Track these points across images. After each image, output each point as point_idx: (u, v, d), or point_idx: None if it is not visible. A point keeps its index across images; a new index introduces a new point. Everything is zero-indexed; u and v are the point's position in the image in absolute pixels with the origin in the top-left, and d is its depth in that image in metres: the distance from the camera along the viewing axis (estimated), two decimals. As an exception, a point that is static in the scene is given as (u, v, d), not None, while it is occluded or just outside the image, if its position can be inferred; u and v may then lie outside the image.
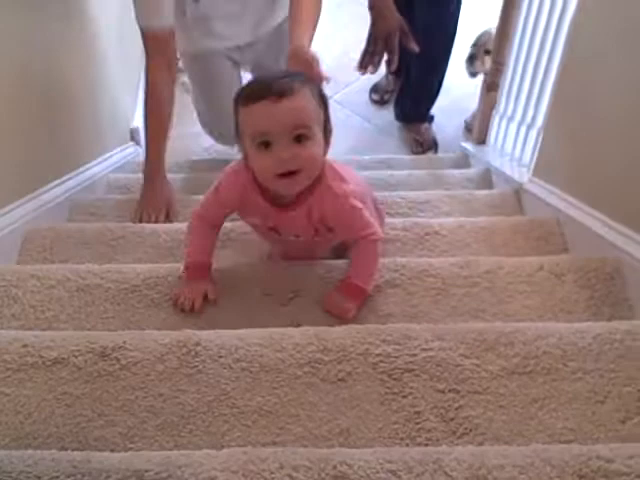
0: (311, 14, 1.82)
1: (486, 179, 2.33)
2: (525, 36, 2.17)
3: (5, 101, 1.64)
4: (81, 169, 2.16)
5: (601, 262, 1.40)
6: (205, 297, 1.33)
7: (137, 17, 1.79)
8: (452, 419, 1.01)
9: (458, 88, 3.17)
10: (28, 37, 1.76)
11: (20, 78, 1.72)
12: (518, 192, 2.02)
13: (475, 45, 2.75)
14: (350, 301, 1.31)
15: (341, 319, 1.28)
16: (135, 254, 1.64)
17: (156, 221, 1.82)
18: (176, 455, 0.84)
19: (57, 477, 0.78)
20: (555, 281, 1.38)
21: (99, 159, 2.38)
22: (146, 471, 0.79)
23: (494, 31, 2.43)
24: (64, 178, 2.01)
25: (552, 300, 1.35)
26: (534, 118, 2.14)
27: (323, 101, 1.21)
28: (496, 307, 1.33)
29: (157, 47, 1.83)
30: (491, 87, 2.52)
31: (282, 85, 1.12)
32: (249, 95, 1.14)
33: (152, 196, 1.88)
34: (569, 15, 1.76)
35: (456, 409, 1.02)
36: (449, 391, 1.04)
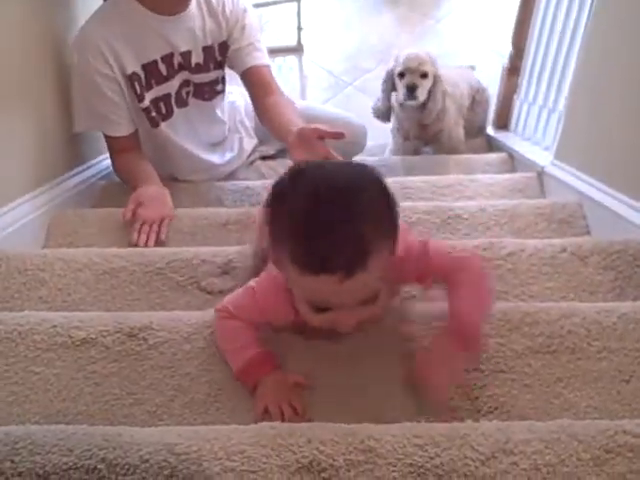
0: (292, 108, 1.83)
1: (507, 163, 2.32)
2: (546, 20, 2.15)
3: (34, 88, 1.68)
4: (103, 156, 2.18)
5: (624, 244, 1.39)
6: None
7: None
8: (477, 398, 1.02)
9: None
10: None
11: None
12: (540, 175, 2.01)
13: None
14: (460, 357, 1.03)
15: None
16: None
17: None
18: (205, 430, 0.86)
19: (89, 450, 0.80)
20: (578, 263, 1.37)
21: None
22: (176, 445, 0.80)
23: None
24: (91, 162, 2.06)
25: (575, 282, 1.34)
26: (555, 102, 2.13)
27: (393, 227, 0.93)
28: (519, 289, 1.33)
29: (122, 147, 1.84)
30: (512, 72, 2.51)
31: (353, 259, 0.86)
32: (308, 264, 0.87)
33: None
34: (591, -1, 1.75)
35: (480, 388, 1.03)
36: (473, 370, 1.04)
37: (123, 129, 1.76)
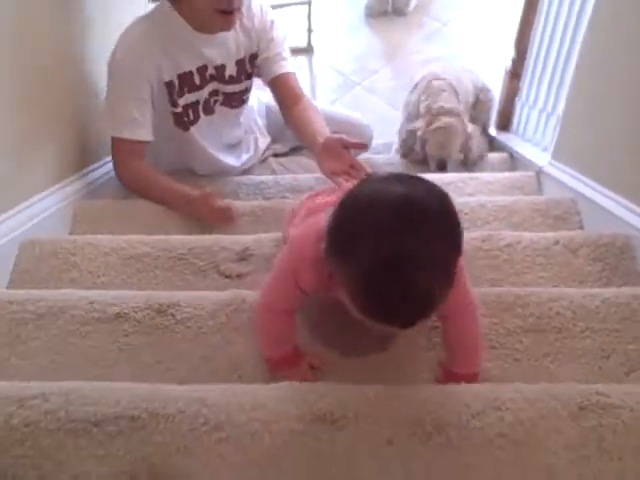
0: (317, 116, 1.92)
1: (507, 163, 2.43)
2: (547, 26, 2.25)
3: (57, 85, 1.80)
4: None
5: (612, 237, 1.51)
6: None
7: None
8: (471, 370, 1.13)
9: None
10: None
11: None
12: (538, 174, 2.12)
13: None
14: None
15: None
16: (183, 229, 1.76)
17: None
18: (233, 387, 0.98)
19: (133, 402, 0.91)
20: (569, 255, 1.48)
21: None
22: (208, 398, 0.92)
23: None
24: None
25: (566, 272, 1.46)
26: (555, 106, 2.23)
27: (455, 277, 0.87)
28: (514, 277, 1.44)
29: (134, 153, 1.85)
30: (514, 76, 2.61)
31: (418, 317, 0.85)
32: (372, 316, 0.87)
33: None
34: (590, 5, 1.85)
35: (475, 362, 1.14)
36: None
37: (147, 134, 1.83)
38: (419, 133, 2.36)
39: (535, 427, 0.88)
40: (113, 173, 2.08)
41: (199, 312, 1.23)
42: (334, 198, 1.00)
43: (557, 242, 1.51)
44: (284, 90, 1.99)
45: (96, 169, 2.08)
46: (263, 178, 2.13)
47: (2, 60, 1.50)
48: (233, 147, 2.17)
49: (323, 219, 0.92)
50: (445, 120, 2.32)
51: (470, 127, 2.44)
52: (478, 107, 2.77)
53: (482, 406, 0.90)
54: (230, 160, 2.13)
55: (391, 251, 0.82)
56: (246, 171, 2.22)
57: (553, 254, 1.49)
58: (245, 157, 2.20)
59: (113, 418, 0.90)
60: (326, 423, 0.89)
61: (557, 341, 1.17)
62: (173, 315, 1.23)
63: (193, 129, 1.93)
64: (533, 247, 1.50)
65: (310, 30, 3.70)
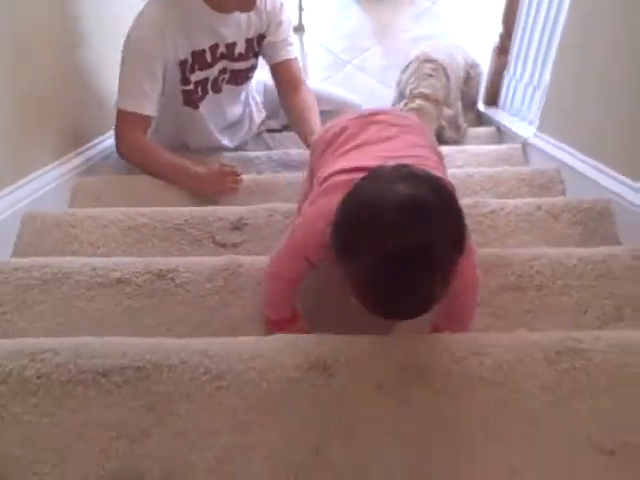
0: (313, 110, 2.01)
1: (495, 136, 2.50)
2: (533, 2, 2.31)
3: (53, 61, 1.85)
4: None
5: (593, 203, 1.57)
6: None
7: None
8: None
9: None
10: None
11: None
12: (524, 146, 2.19)
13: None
14: None
15: None
16: (180, 203, 1.79)
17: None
18: (232, 339, 1.04)
19: (138, 354, 0.97)
20: (551, 219, 1.55)
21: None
22: (209, 350, 0.99)
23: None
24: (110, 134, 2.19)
25: (548, 235, 1.52)
26: (540, 79, 2.29)
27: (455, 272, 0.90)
28: (498, 241, 1.51)
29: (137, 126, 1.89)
30: (501, 51, 2.67)
31: (418, 312, 0.89)
32: (374, 311, 0.91)
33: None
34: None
35: (460, 318, 1.20)
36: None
37: (153, 110, 1.87)
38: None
39: (513, 370, 0.94)
40: (111, 150, 2.14)
41: (197, 276, 1.29)
42: (352, 177, 0.99)
43: (539, 207, 1.57)
44: (286, 76, 2.06)
45: (95, 146, 2.13)
46: (256, 154, 2.18)
47: (2, 38, 1.55)
48: (232, 127, 2.23)
49: (336, 201, 0.94)
50: (419, 103, 2.38)
51: (449, 112, 2.50)
52: (469, 82, 2.82)
53: (464, 352, 0.96)
54: (226, 141, 2.19)
55: (393, 251, 0.84)
56: (241, 145, 2.27)
57: (535, 219, 1.55)
58: (240, 136, 2.26)
59: (119, 369, 0.96)
60: (319, 370, 0.96)
61: (537, 298, 1.23)
62: (172, 279, 1.28)
63: (201, 107, 1.99)
64: (516, 213, 1.56)
65: (301, 9, 3.73)
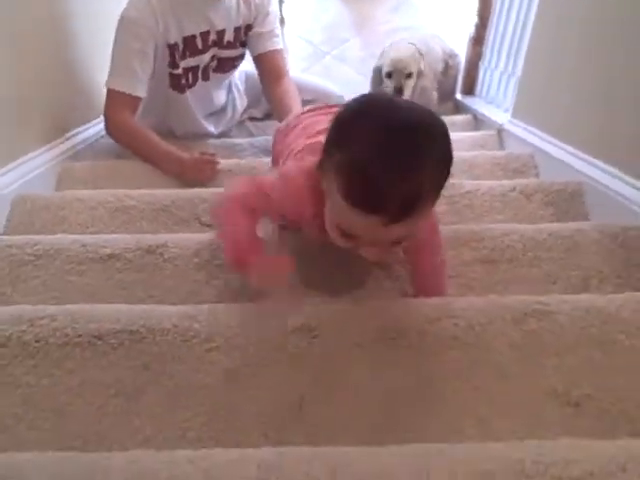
0: (295, 100, 2.09)
1: (471, 124, 2.57)
2: (507, -8, 2.39)
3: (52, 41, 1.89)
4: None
5: (564, 184, 1.65)
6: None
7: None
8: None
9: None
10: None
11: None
12: (499, 132, 2.26)
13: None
14: None
15: None
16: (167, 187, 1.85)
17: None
18: (220, 306, 1.10)
19: (132, 319, 1.03)
20: (524, 200, 1.62)
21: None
22: (198, 315, 1.04)
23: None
24: (96, 121, 2.26)
25: (521, 215, 1.59)
26: (514, 67, 2.37)
27: (445, 179, 0.94)
28: (473, 221, 1.57)
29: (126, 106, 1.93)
30: (477, 41, 2.74)
31: (407, 206, 0.86)
32: (361, 202, 0.87)
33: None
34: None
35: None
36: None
37: (143, 91, 1.92)
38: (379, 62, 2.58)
39: (484, 331, 1.01)
40: (96, 138, 2.19)
41: (184, 252, 1.34)
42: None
43: (513, 189, 1.64)
44: (270, 66, 2.14)
45: (82, 132, 2.18)
46: (238, 140, 2.24)
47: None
48: (217, 114, 2.29)
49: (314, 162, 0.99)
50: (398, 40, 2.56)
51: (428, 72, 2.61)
52: (447, 72, 2.89)
53: (438, 314, 1.03)
54: (211, 127, 2.26)
55: (390, 135, 0.85)
56: (224, 133, 2.32)
57: (509, 199, 1.62)
58: (224, 122, 2.32)
59: (114, 333, 1.01)
60: (304, 332, 1.02)
61: (508, 270, 1.30)
62: (161, 254, 1.33)
63: (189, 92, 2.05)
64: (491, 193, 1.63)
65: (282, 1, 3.78)
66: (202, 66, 2.03)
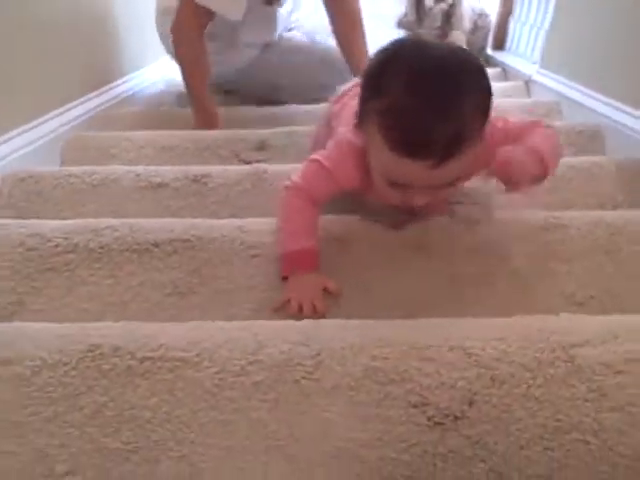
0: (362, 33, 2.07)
1: (500, 76, 2.64)
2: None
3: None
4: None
5: (584, 125, 1.73)
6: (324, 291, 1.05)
7: None
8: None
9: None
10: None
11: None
12: (527, 83, 2.34)
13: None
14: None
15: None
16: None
17: None
18: (264, 219, 1.21)
19: (184, 229, 1.15)
20: (547, 140, 1.70)
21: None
22: (244, 226, 1.16)
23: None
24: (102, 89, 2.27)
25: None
26: (543, 21, 2.43)
27: (488, 114, 0.92)
28: (498, 158, 1.66)
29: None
30: (508, -5, 2.80)
31: (451, 147, 0.86)
32: (403, 146, 0.87)
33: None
34: None
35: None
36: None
37: (239, 14, 1.90)
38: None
39: (501, 243, 1.12)
40: (99, 109, 2.18)
41: (227, 181, 1.45)
42: None
43: (537, 130, 1.72)
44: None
45: (86, 102, 2.13)
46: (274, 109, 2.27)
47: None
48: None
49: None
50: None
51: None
52: (476, 32, 2.95)
53: (458, 230, 1.14)
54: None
55: (424, 76, 0.86)
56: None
57: (532, 140, 1.70)
58: None
59: (169, 241, 1.13)
60: (342, 242, 1.13)
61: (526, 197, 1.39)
62: (206, 183, 1.45)
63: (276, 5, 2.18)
64: (516, 134, 1.70)
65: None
66: None
